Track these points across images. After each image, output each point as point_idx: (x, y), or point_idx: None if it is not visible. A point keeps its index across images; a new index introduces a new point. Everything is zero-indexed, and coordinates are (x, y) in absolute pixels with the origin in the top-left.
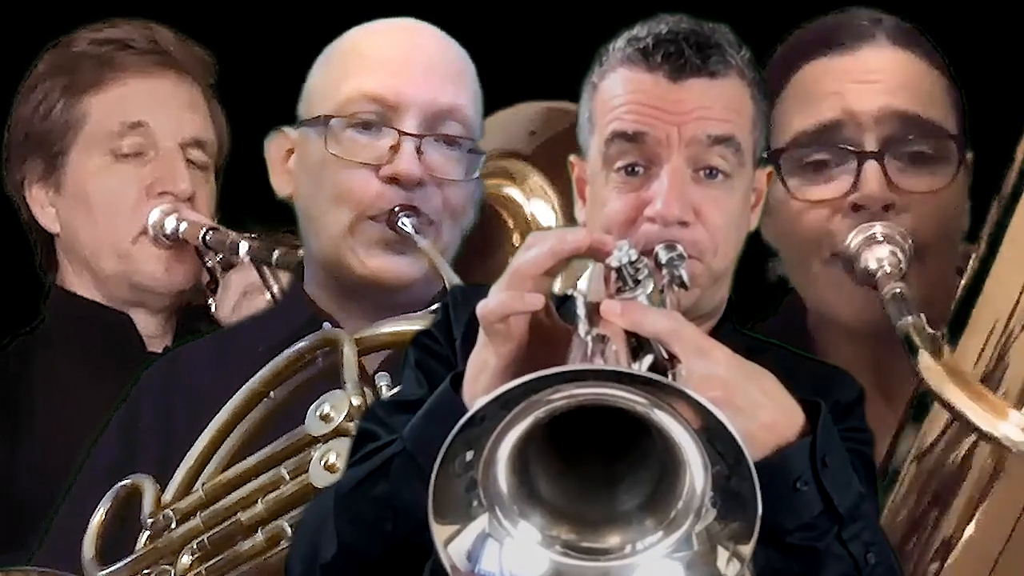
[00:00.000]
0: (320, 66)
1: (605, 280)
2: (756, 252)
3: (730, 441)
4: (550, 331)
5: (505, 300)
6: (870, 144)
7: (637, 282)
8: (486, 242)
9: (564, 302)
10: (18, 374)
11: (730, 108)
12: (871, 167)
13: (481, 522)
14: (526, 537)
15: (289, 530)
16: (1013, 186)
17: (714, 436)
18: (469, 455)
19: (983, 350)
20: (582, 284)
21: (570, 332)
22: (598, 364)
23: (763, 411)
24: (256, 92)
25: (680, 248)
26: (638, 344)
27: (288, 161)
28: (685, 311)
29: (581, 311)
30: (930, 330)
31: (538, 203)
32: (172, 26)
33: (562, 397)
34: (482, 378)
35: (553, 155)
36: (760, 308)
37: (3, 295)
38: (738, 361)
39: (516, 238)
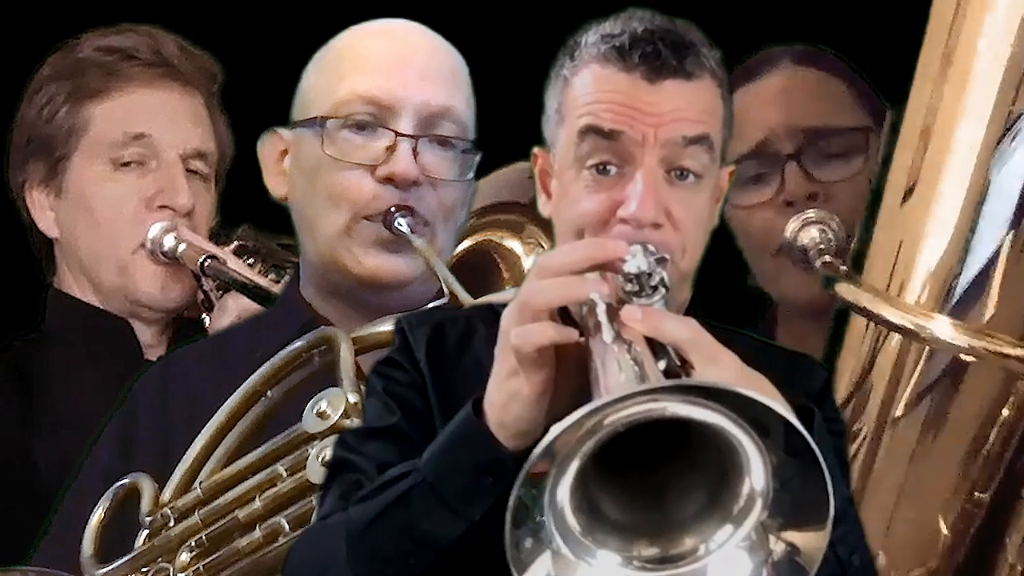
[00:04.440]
0: (314, 67)
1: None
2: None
3: (783, 425)
4: (566, 350)
5: (545, 331)
6: (788, 149)
7: (654, 288)
8: (479, 286)
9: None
10: (25, 374)
11: (704, 110)
12: (791, 168)
13: (558, 567)
14: (606, 565)
15: (287, 526)
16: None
17: (767, 426)
18: (534, 495)
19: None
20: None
21: (579, 345)
22: (658, 380)
23: None
24: (253, 95)
25: (659, 251)
26: (652, 349)
27: (282, 162)
28: None
29: (603, 317)
30: (842, 267)
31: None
32: (174, 29)
33: (621, 418)
34: (514, 407)
35: None
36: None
37: (4, 297)
38: (746, 370)
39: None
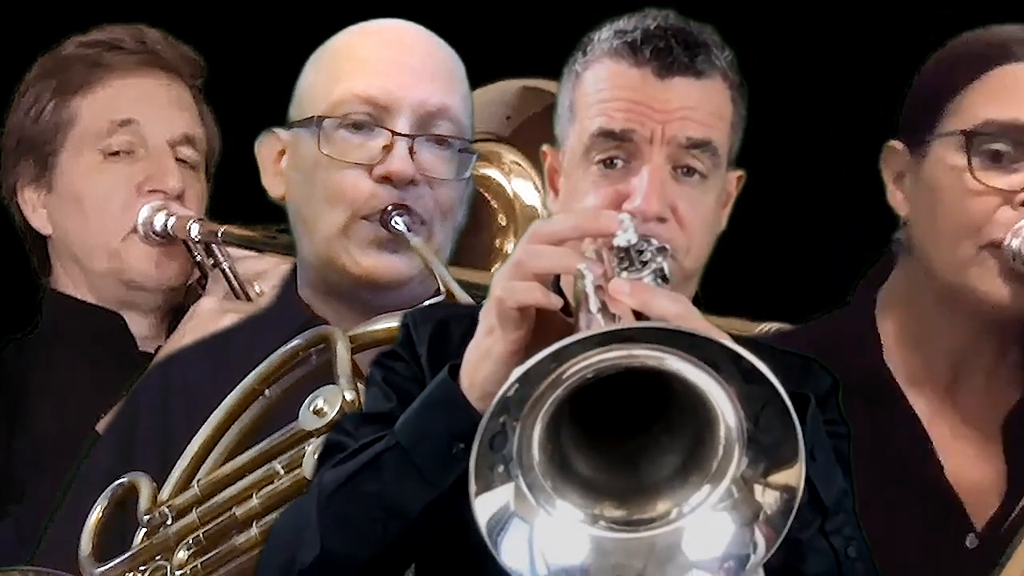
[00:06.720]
0: (311, 68)
1: (597, 256)
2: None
3: (758, 376)
4: (548, 319)
5: (532, 291)
6: None
7: (644, 263)
8: (472, 223)
9: None
10: (16, 375)
11: (712, 112)
12: None
13: (519, 505)
14: (567, 518)
15: None
16: None
17: (743, 378)
18: (504, 429)
19: None
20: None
21: (563, 320)
22: (640, 323)
23: None
24: (248, 94)
25: (660, 242)
26: None
27: (280, 162)
28: None
29: (590, 289)
30: None
31: (519, 182)
32: (163, 28)
33: (592, 364)
34: (485, 364)
35: (530, 137)
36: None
37: (3, 300)
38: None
39: (502, 218)
